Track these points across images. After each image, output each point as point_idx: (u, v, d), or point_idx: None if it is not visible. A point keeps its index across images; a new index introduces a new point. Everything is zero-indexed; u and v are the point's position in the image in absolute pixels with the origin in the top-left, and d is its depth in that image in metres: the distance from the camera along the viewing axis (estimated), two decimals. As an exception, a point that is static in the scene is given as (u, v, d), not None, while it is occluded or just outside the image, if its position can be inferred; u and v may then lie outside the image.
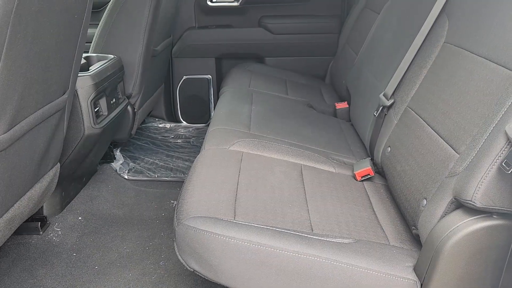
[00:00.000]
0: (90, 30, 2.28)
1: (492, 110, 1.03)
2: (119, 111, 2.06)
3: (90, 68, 1.85)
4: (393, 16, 1.89)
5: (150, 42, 2.21)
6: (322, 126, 1.97)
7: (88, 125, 1.78)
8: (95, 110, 1.84)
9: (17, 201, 1.37)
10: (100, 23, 2.15)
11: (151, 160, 2.56)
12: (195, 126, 3.10)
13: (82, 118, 1.76)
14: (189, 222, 1.14)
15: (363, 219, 1.31)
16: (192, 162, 2.60)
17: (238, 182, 1.35)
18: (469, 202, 0.97)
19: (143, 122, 3.03)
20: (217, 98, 3.06)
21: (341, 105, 2.23)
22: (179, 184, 2.37)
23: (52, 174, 1.63)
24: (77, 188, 2.10)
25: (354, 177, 1.55)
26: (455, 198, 1.03)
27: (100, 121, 1.86)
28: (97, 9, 2.18)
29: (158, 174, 2.41)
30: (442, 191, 1.09)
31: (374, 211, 1.37)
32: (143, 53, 2.18)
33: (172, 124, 3.10)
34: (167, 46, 2.68)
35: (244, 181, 1.36)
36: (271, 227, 1.15)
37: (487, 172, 0.94)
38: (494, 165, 0.94)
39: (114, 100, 2.01)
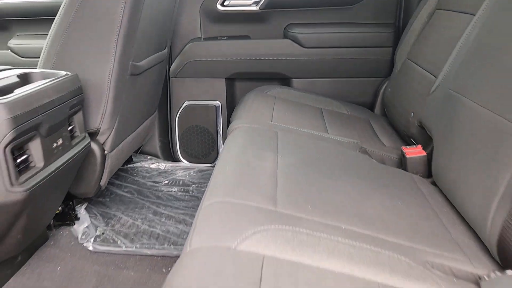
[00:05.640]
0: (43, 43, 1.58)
1: None
2: (73, 157, 1.33)
3: (15, 91, 1.13)
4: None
5: (126, 54, 1.49)
6: (394, 190, 1.20)
7: (1, 188, 1.04)
8: (18, 160, 1.11)
9: None
10: (52, 26, 1.45)
11: (131, 220, 1.81)
12: (197, 167, 2.35)
13: (-11, 177, 1.02)
14: None
15: None
16: (189, 225, 1.85)
17: None
18: None
19: (130, 161, 2.30)
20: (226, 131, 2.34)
21: (414, 152, 1.45)
22: (166, 262, 1.61)
23: None
24: (3, 276, 1.35)
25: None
26: None
27: (27, 179, 1.12)
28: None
29: (137, 245, 1.65)
30: None
31: None
32: (115, 70, 1.46)
33: (169, 164, 2.36)
34: (159, 62, 1.96)
35: None
36: None
37: None
38: None
39: (60, 141, 1.27)
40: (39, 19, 2.43)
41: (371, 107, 2.19)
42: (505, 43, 1.10)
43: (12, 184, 1.06)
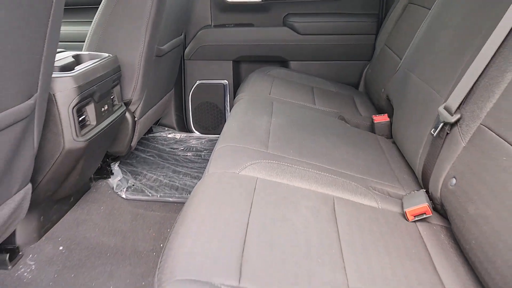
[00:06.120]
0: (85, 28, 1.98)
1: None
2: (113, 121, 1.72)
3: (76, 68, 1.52)
4: (454, 10, 1.49)
5: (153, 40, 1.88)
6: (358, 144, 1.59)
7: (69, 137, 1.44)
8: (80, 119, 1.51)
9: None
10: (94, 17, 1.83)
11: (155, 176, 2.22)
12: (208, 137, 2.75)
13: (62, 129, 1.42)
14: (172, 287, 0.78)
15: (423, 284, 0.92)
16: (202, 180, 2.25)
17: (249, 224, 0.98)
18: None
19: (150, 131, 2.70)
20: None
21: (380, 118, 1.83)
22: (185, 206, 2.02)
23: (19, 198, 1.30)
24: (61, 211, 1.77)
25: (405, 216, 1.16)
26: None
27: (86, 133, 1.52)
28: (96, 6, 1.86)
29: (161, 194, 2.06)
30: None
31: (436, 269, 0.98)
32: (145, 53, 1.84)
33: (183, 135, 2.76)
34: (177, 46, 2.34)
35: (256, 223, 0.99)
36: (292, 302, 0.78)
37: None
38: None
39: (106, 107, 1.67)
40: (71, 8, 2.81)
41: (356, 85, 2.56)
42: (439, 33, 1.48)
43: (77, 135, 1.46)
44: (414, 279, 0.93)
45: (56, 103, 1.39)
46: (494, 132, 1.02)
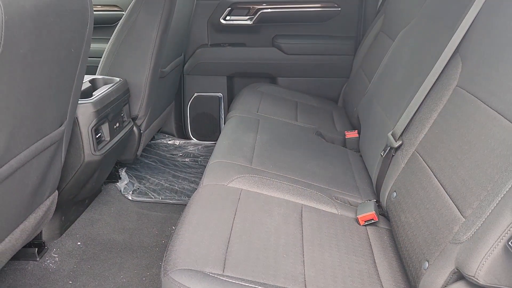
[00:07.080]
0: (100, 46, 2.29)
1: (502, 175, 0.95)
2: (123, 135, 2.03)
3: (93, 93, 1.83)
4: (407, 47, 1.80)
5: (157, 65, 2.18)
6: (329, 158, 1.90)
7: (88, 152, 1.75)
8: (97, 136, 1.81)
9: (7, 236, 1.35)
10: (108, 44, 2.13)
11: (157, 180, 2.53)
12: (204, 144, 3.05)
13: (82, 146, 1.73)
14: (175, 275, 1.09)
15: (362, 273, 1.23)
16: (198, 184, 2.56)
17: (233, 227, 1.29)
18: (472, 277, 0.89)
19: (153, 138, 3.01)
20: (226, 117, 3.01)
21: (351, 134, 2.14)
22: (183, 207, 2.32)
23: (49, 203, 1.61)
24: (78, 212, 2.08)
25: (357, 221, 1.47)
26: (457, 269, 0.95)
27: (101, 148, 1.83)
28: (110, 24, 2.17)
29: (163, 196, 2.37)
30: (445, 257, 1.01)
31: (375, 263, 1.29)
32: (150, 76, 2.15)
33: (182, 141, 3.06)
34: (177, 65, 2.64)
35: (239, 226, 1.30)
36: (261, 284, 1.09)
37: (492, 248, 0.86)
38: (500, 241, 0.85)
39: (117, 124, 1.98)
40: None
41: (336, 100, 2.87)
42: (395, 66, 1.79)
43: (94, 150, 1.77)
44: (355, 269, 1.24)
45: (78, 124, 1.70)
46: (421, 158, 1.33)
